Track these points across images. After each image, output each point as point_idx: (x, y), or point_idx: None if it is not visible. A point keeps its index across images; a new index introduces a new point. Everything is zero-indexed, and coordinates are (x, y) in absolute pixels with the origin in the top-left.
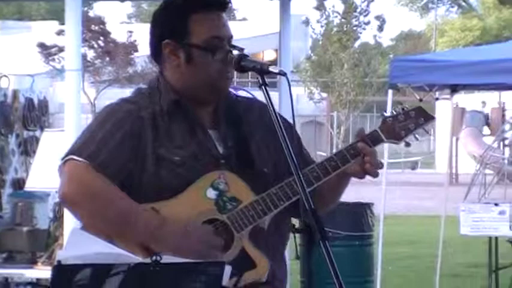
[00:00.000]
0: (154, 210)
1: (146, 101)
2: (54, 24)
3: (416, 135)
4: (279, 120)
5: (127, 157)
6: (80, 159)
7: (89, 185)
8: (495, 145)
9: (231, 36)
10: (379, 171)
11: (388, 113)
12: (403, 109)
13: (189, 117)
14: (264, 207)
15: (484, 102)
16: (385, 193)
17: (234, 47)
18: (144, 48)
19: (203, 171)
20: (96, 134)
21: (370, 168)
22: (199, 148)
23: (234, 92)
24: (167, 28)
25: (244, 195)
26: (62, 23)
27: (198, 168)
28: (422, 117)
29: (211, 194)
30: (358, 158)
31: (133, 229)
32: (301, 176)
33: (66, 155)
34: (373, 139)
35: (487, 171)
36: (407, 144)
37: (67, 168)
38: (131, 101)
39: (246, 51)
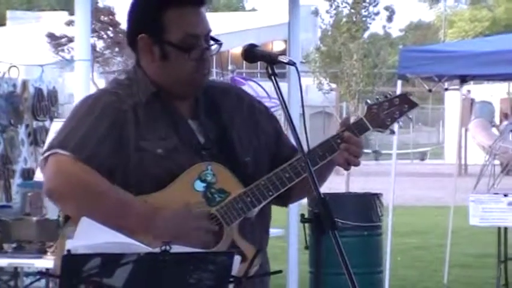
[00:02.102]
0: None
1: (126, 92)
2: (63, 15)
3: (400, 123)
4: (288, 111)
5: (111, 150)
6: (65, 152)
7: (77, 177)
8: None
9: (209, 32)
10: (388, 162)
11: (371, 101)
12: (386, 96)
13: (168, 109)
14: (253, 199)
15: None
16: (394, 183)
17: (215, 41)
18: None
19: (186, 162)
20: (80, 126)
21: (350, 158)
22: (180, 140)
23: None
24: (142, 22)
25: (232, 186)
26: (72, 14)
27: (181, 160)
28: (406, 104)
29: (199, 186)
30: (344, 145)
31: (126, 220)
32: (309, 162)
33: (49, 149)
34: (359, 128)
35: (496, 162)
36: (392, 132)
37: (52, 162)
38: (112, 92)
39: (255, 42)
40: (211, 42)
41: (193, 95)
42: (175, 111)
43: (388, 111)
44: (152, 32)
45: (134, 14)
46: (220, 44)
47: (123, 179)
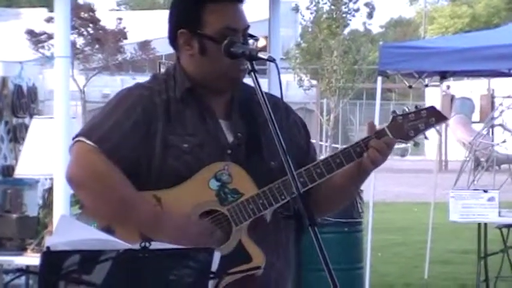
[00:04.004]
0: (156, 198)
1: (161, 87)
2: (43, 12)
3: (426, 135)
4: (269, 108)
5: (136, 144)
6: (89, 142)
7: (94, 169)
8: (484, 132)
9: (247, 27)
10: None
11: (399, 111)
12: (416, 107)
13: (201, 105)
14: (265, 202)
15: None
16: (374, 180)
17: (252, 37)
18: (133, 36)
19: (209, 160)
20: (108, 118)
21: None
22: (207, 136)
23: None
24: (182, 17)
25: (246, 188)
26: (51, 10)
27: (204, 156)
28: (434, 117)
29: (214, 184)
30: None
31: (131, 219)
32: (289, 161)
33: (77, 136)
34: (380, 137)
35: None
36: (416, 144)
37: (75, 150)
38: (145, 87)
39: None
40: (249, 38)
41: (229, 91)
42: (208, 108)
43: (413, 123)
44: (192, 27)
45: (175, 11)
46: (257, 40)
47: (146, 172)
